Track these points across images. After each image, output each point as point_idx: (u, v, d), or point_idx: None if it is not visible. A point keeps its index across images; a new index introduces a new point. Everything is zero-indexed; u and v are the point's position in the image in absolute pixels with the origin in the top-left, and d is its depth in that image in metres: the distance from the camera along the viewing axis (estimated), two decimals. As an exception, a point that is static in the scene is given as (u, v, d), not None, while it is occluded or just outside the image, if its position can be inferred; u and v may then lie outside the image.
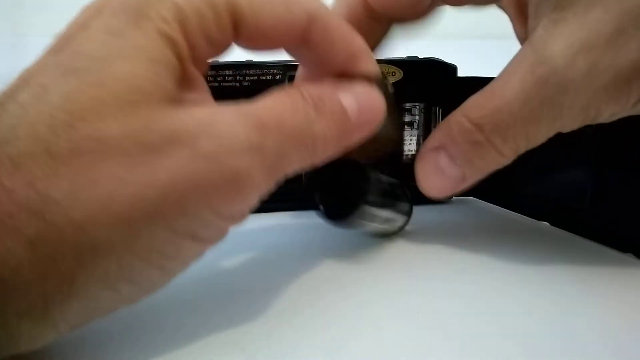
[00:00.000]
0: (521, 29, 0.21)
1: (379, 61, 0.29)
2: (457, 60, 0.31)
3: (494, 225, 0.29)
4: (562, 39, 0.18)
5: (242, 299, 0.21)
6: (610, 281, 0.22)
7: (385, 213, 0.24)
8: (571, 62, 0.18)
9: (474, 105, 0.20)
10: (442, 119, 0.28)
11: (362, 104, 0.19)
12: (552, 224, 0.28)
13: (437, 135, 0.22)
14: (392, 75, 0.29)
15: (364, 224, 0.24)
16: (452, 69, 0.30)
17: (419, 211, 0.31)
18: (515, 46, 0.21)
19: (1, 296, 0.13)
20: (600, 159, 0.25)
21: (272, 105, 0.17)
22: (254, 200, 0.17)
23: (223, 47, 0.18)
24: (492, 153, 0.20)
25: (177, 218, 0.15)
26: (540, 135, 0.20)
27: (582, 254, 0.25)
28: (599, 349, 0.18)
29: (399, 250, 0.26)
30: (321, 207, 0.23)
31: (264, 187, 0.17)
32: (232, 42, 0.18)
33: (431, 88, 0.29)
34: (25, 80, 0.15)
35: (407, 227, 0.29)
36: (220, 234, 0.17)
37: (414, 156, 0.29)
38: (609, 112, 0.19)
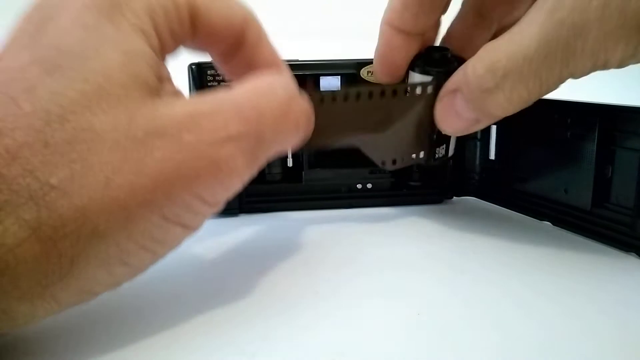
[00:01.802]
0: None
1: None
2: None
3: (496, 224, 0.29)
4: None
5: (241, 299, 0.21)
6: (613, 281, 0.22)
7: None
8: (587, 5, 0.18)
9: (491, 49, 0.21)
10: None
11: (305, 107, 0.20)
12: (554, 223, 0.28)
13: (455, 78, 0.23)
14: None
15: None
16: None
17: (419, 210, 0.32)
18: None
19: (5, 274, 0.14)
20: (602, 159, 0.25)
21: (250, 90, 0.18)
22: (237, 185, 0.17)
23: (181, 42, 0.19)
24: (500, 98, 0.21)
25: (167, 204, 0.16)
26: (552, 79, 0.20)
27: (584, 254, 0.25)
28: (600, 349, 0.18)
29: (399, 249, 0.26)
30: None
31: (246, 172, 0.17)
32: (188, 38, 0.19)
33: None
34: (5, 74, 0.15)
35: (408, 227, 0.29)
36: (204, 220, 0.18)
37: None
38: (618, 57, 0.19)
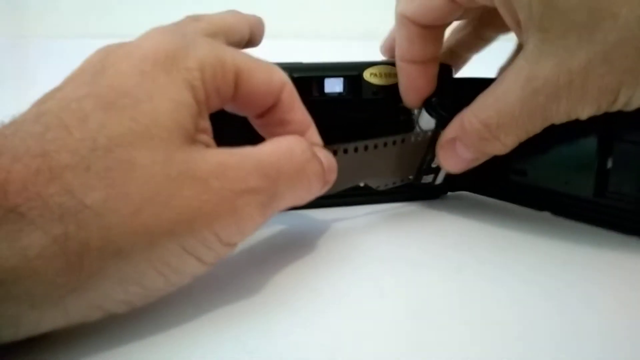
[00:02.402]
0: (519, 36, 0.25)
1: (379, 63, 0.30)
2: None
3: (487, 218, 0.30)
4: (549, 60, 0.22)
5: (241, 296, 0.21)
6: (618, 265, 0.24)
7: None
8: (556, 79, 0.22)
9: (482, 106, 0.25)
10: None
11: (328, 162, 0.23)
12: (554, 213, 0.29)
13: (452, 129, 0.27)
14: (394, 76, 0.30)
15: None
16: (448, 69, 0.31)
17: (415, 205, 0.32)
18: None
19: (19, 283, 0.15)
20: (603, 147, 0.26)
21: (272, 150, 0.20)
22: (250, 230, 0.20)
23: (225, 101, 0.21)
24: (498, 144, 0.25)
25: (187, 237, 0.18)
26: (535, 129, 0.24)
27: (588, 240, 0.26)
28: (606, 339, 0.19)
29: (397, 246, 0.27)
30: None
31: (258, 220, 0.20)
32: (230, 98, 0.21)
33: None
34: (62, 102, 0.17)
35: (405, 221, 0.30)
36: (217, 258, 0.19)
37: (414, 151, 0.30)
38: (586, 114, 0.23)
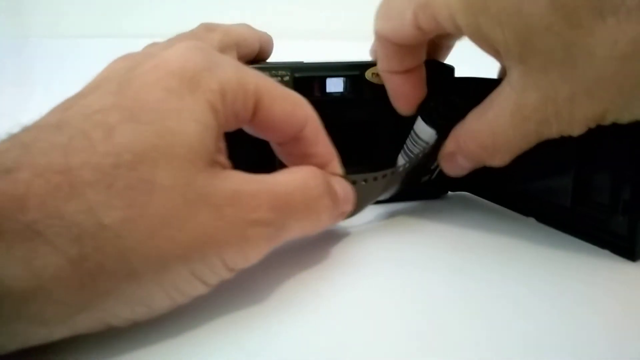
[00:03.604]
0: (500, 62, 0.26)
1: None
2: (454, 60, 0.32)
3: (485, 220, 0.30)
4: (534, 91, 0.22)
5: (243, 298, 0.21)
6: (590, 276, 0.24)
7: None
8: (544, 108, 0.22)
9: (475, 131, 0.25)
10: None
11: (345, 194, 0.24)
12: (537, 219, 0.30)
13: (451, 145, 0.27)
14: None
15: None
16: (450, 69, 0.31)
17: (416, 205, 0.33)
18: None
19: (32, 304, 0.15)
20: (582, 160, 0.26)
21: (286, 182, 0.20)
22: (255, 259, 0.20)
23: (242, 123, 0.21)
24: (495, 161, 0.25)
25: (197, 262, 0.18)
26: (530, 145, 0.24)
27: (563, 249, 0.26)
28: (606, 339, 0.19)
29: (396, 245, 0.27)
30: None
31: (265, 249, 0.20)
32: (247, 122, 0.21)
33: (429, 88, 0.30)
34: (86, 111, 0.17)
35: (404, 220, 0.30)
36: (219, 281, 0.19)
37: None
38: (577, 133, 0.23)
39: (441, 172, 0.32)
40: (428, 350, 0.18)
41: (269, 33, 0.29)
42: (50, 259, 0.15)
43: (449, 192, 0.35)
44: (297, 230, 0.21)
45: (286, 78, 0.29)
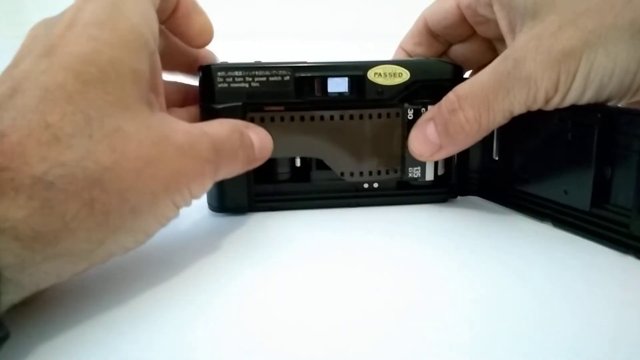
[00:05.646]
0: (508, 39, 0.28)
1: (387, 62, 0.29)
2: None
3: (497, 224, 0.30)
4: (525, 34, 0.25)
5: (242, 297, 0.22)
6: (611, 282, 0.23)
7: None
8: (526, 45, 0.25)
9: (461, 83, 0.27)
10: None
11: (262, 142, 0.27)
12: (554, 224, 0.29)
13: (432, 109, 0.29)
14: (399, 76, 0.29)
15: None
16: (458, 69, 0.31)
17: (425, 209, 0.32)
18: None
19: (60, 243, 0.17)
20: (601, 161, 0.25)
21: (218, 131, 0.24)
22: (206, 190, 0.24)
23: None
24: (461, 118, 0.27)
25: (175, 194, 0.21)
26: (496, 105, 0.26)
27: (583, 255, 0.25)
28: (597, 348, 0.18)
29: (403, 248, 0.27)
30: None
31: (211, 183, 0.24)
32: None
33: (437, 88, 0.29)
34: (33, 76, 0.19)
35: (413, 226, 0.29)
36: (186, 206, 0.23)
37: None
38: (544, 86, 0.24)
39: (445, 174, 0.31)
40: (429, 350, 0.18)
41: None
42: (68, 204, 0.17)
43: (459, 197, 0.34)
44: (225, 172, 0.25)
45: (287, 78, 0.29)
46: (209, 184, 0.24)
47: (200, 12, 0.27)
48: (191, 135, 0.22)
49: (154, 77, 0.22)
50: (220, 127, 0.25)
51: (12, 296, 0.17)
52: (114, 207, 0.19)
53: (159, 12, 0.24)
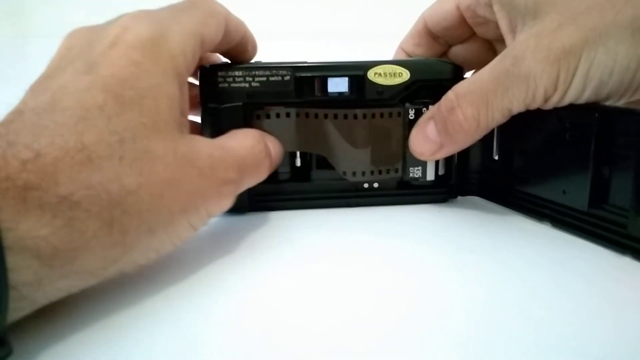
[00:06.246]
0: (508, 39, 0.28)
1: (387, 62, 0.29)
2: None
3: (496, 225, 0.30)
4: (525, 32, 0.25)
5: (241, 297, 0.22)
6: (609, 282, 0.23)
7: None
8: (525, 42, 0.25)
9: (461, 82, 0.27)
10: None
11: (276, 152, 0.28)
12: (553, 224, 0.29)
13: (432, 109, 0.29)
14: (399, 76, 0.30)
15: None
16: (458, 69, 0.31)
17: (425, 209, 0.32)
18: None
19: (79, 260, 0.18)
20: (600, 161, 0.25)
21: (241, 147, 0.25)
22: (226, 208, 0.24)
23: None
24: (459, 116, 0.27)
25: (192, 214, 0.22)
26: (495, 104, 0.26)
27: (581, 255, 0.25)
28: (595, 348, 0.18)
29: (403, 248, 0.27)
30: None
31: (231, 201, 0.24)
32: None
33: (437, 88, 0.29)
34: (69, 91, 0.19)
35: (413, 226, 0.29)
36: (203, 226, 0.23)
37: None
38: (544, 83, 0.24)
39: (445, 174, 0.31)
40: (428, 350, 0.18)
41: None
42: (90, 224, 0.18)
43: (459, 197, 0.34)
44: (247, 185, 0.26)
45: (287, 78, 0.29)
46: (227, 204, 0.24)
47: (254, 43, 0.29)
48: (213, 158, 0.23)
49: (183, 101, 0.23)
50: (244, 140, 0.26)
51: (25, 312, 0.17)
52: (132, 227, 0.19)
53: (220, 45, 0.26)
